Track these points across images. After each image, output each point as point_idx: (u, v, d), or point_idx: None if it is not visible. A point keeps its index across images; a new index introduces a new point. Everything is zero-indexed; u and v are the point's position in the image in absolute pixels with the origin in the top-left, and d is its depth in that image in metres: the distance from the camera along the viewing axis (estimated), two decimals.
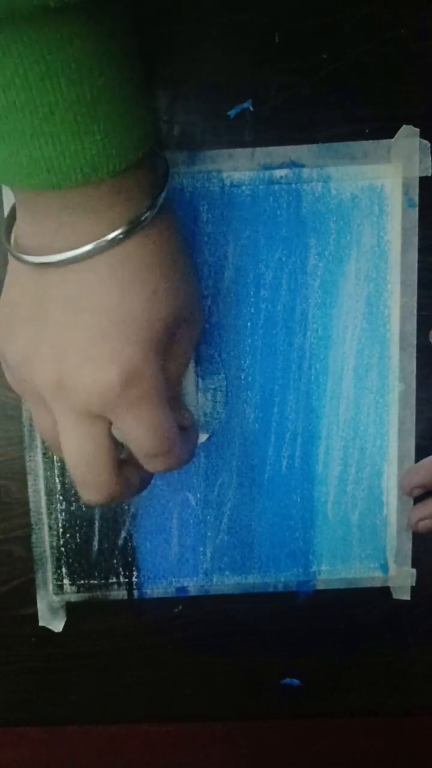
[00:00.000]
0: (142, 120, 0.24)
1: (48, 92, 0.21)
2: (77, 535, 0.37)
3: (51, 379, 0.26)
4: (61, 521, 0.37)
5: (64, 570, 0.37)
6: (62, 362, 0.26)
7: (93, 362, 0.25)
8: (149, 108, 0.25)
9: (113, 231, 0.24)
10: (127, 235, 0.25)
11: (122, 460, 0.29)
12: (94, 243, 0.24)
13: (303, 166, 0.34)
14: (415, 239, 0.34)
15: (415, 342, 0.35)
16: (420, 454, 0.36)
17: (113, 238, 0.24)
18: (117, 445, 0.28)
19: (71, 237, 0.25)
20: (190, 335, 0.29)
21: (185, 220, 0.34)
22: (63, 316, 0.25)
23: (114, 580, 0.37)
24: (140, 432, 0.27)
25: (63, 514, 0.37)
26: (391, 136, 0.33)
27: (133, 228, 0.25)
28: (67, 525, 0.37)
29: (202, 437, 0.35)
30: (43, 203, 0.24)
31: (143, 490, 0.31)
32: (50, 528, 0.37)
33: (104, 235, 0.24)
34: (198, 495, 0.36)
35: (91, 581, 0.37)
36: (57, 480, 0.36)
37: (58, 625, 0.38)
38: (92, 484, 0.28)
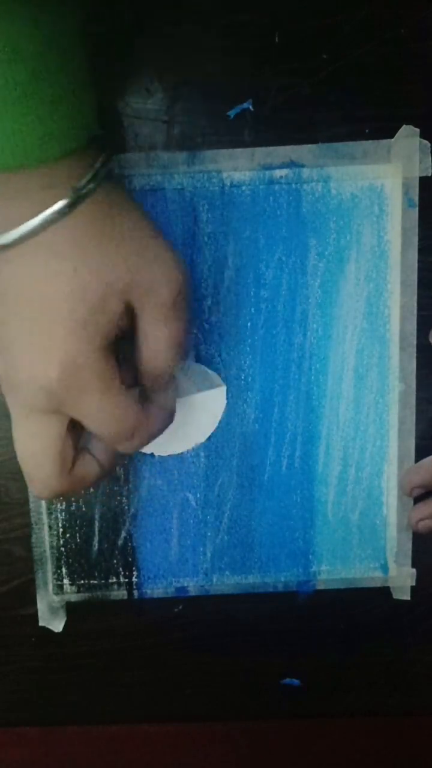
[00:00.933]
0: (82, 110, 0.24)
1: None
2: (77, 535, 0.37)
3: (2, 375, 0.26)
4: (61, 521, 0.37)
5: (64, 570, 0.37)
6: (6, 358, 0.25)
7: (30, 357, 0.25)
8: (91, 98, 0.25)
9: (33, 217, 0.24)
10: (45, 225, 0.24)
11: (83, 448, 0.29)
12: (19, 228, 0.24)
13: (303, 166, 0.34)
14: (415, 239, 0.34)
15: (415, 342, 0.35)
16: (420, 454, 0.36)
17: (31, 229, 0.24)
18: (76, 436, 0.28)
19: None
20: (156, 303, 0.26)
21: (185, 220, 0.34)
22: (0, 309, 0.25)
23: (114, 580, 0.37)
24: (97, 424, 0.26)
25: (63, 514, 0.37)
26: (391, 136, 0.33)
27: (51, 217, 0.24)
28: (67, 525, 0.37)
29: (221, 395, 0.35)
30: None
31: (105, 478, 0.30)
32: (50, 528, 0.37)
33: (25, 221, 0.24)
34: (198, 495, 0.36)
35: (91, 581, 0.37)
36: None
37: (58, 625, 0.38)
38: (37, 479, 0.28)
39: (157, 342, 0.27)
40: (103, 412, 0.26)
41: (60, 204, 0.24)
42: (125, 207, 0.26)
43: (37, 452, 0.27)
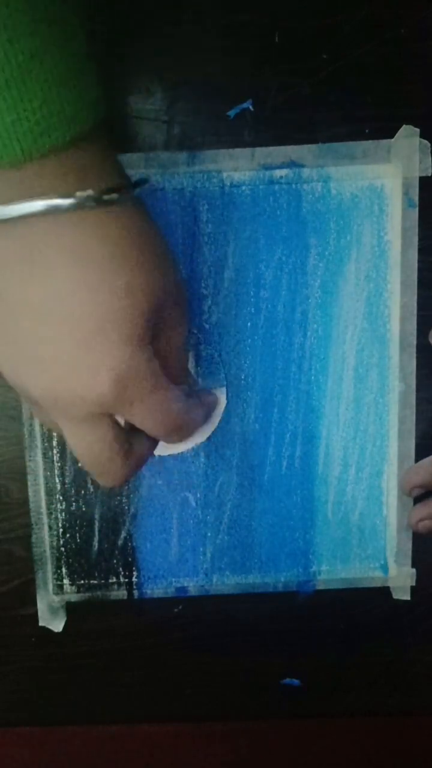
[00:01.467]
0: (87, 88, 0.23)
1: None
2: (77, 535, 0.37)
3: (43, 393, 0.25)
4: (61, 521, 0.37)
5: (64, 570, 0.37)
6: (50, 376, 0.25)
7: (81, 372, 0.24)
8: (96, 80, 0.24)
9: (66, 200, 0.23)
10: (77, 209, 0.23)
11: (129, 432, 0.29)
12: (46, 203, 0.22)
13: (303, 166, 0.34)
14: (415, 239, 0.34)
15: (415, 342, 0.35)
16: (420, 454, 0.36)
17: (69, 205, 0.23)
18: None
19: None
20: (177, 314, 0.27)
21: (185, 220, 0.34)
22: (35, 327, 0.24)
23: (114, 580, 0.37)
24: (150, 423, 0.27)
25: (63, 514, 0.37)
26: (391, 136, 0.33)
27: (93, 204, 0.23)
28: (67, 525, 0.37)
29: (221, 395, 0.36)
30: None
31: (153, 450, 0.31)
32: (50, 528, 0.37)
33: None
34: (198, 495, 0.36)
35: (91, 581, 0.37)
36: (57, 480, 0.36)
37: (58, 625, 0.38)
38: (107, 475, 0.28)
39: (177, 344, 0.28)
40: (155, 412, 0.27)
41: (89, 192, 0.23)
42: (143, 211, 0.26)
43: (100, 452, 0.27)
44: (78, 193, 0.23)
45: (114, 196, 0.24)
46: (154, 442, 0.30)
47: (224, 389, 0.35)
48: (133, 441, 0.29)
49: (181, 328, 0.28)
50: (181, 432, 0.29)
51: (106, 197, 0.23)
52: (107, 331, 0.24)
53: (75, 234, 0.23)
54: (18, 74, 0.21)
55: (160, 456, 0.36)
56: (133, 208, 0.25)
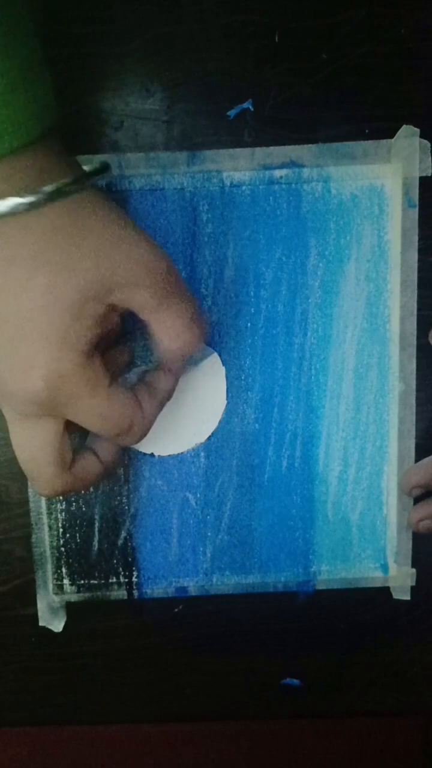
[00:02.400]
0: (39, 94, 0.23)
1: None
2: (77, 535, 0.37)
3: None
4: (61, 521, 0.37)
5: (64, 570, 0.37)
6: None
7: (16, 370, 0.25)
8: (47, 83, 0.24)
9: None
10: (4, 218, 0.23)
11: (85, 446, 0.29)
12: None
13: (303, 166, 0.34)
14: (415, 239, 0.34)
15: (415, 342, 0.35)
16: (420, 454, 0.36)
17: None
18: (74, 434, 0.28)
19: None
20: (145, 295, 0.26)
21: (185, 220, 0.34)
22: None
23: (114, 580, 0.37)
24: (90, 422, 0.26)
25: (63, 514, 0.37)
26: (391, 136, 0.33)
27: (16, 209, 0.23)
28: (67, 525, 0.37)
29: (212, 358, 0.34)
30: None
31: (108, 474, 0.30)
32: (50, 528, 0.37)
33: None
34: (198, 495, 0.36)
35: (91, 581, 0.37)
36: None
37: (58, 625, 0.38)
38: (39, 479, 0.28)
39: (166, 329, 0.27)
40: (96, 412, 0.26)
41: (17, 201, 0.23)
42: (90, 203, 0.25)
43: (36, 453, 0.27)
44: (10, 198, 0.23)
45: (68, 185, 0.24)
46: (103, 466, 0.30)
47: (224, 389, 0.35)
48: (80, 458, 0.28)
49: (168, 314, 0.26)
50: (130, 433, 0.27)
51: (60, 187, 0.24)
52: (29, 331, 0.24)
53: (1, 236, 0.24)
54: None
55: (160, 456, 0.36)
56: (76, 202, 0.25)
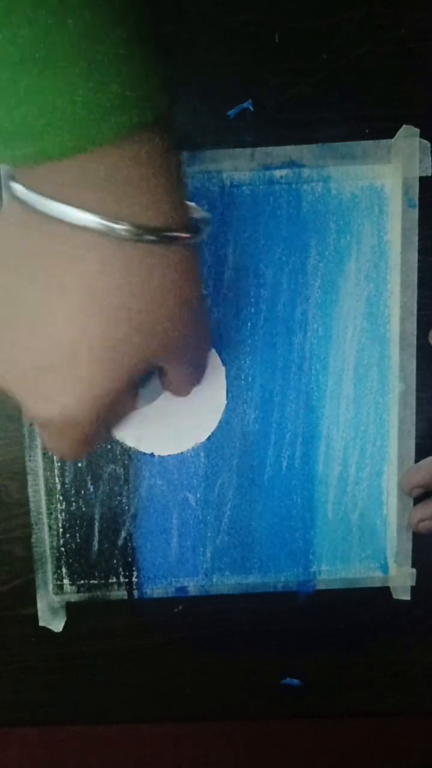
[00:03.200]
0: (148, 75, 0.20)
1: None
2: (77, 535, 0.37)
3: (12, 393, 0.25)
4: (61, 521, 0.37)
5: (64, 570, 0.37)
6: (18, 384, 0.24)
7: (36, 397, 0.24)
8: (154, 63, 0.21)
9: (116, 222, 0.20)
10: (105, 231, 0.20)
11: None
12: (101, 222, 0.20)
13: (303, 166, 0.34)
14: (415, 239, 0.34)
15: (415, 342, 0.35)
16: (420, 454, 0.36)
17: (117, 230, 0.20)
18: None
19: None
20: (181, 362, 0.26)
21: None
22: (28, 327, 0.23)
23: (114, 580, 0.37)
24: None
25: (63, 514, 0.37)
26: (391, 136, 0.33)
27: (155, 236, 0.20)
28: (67, 525, 0.37)
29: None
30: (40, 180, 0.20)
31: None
32: (50, 528, 0.37)
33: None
34: (198, 495, 0.36)
35: (91, 581, 0.37)
36: (57, 480, 0.36)
37: (58, 625, 0.38)
38: (69, 456, 0.28)
39: (180, 377, 0.27)
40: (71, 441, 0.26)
41: (119, 227, 0.20)
42: (180, 254, 0.23)
43: (63, 445, 0.26)
44: (136, 226, 0.20)
45: (180, 236, 0.21)
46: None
47: (224, 389, 0.35)
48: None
49: (187, 374, 0.27)
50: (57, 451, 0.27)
51: (168, 234, 0.21)
52: (86, 355, 0.23)
53: (106, 257, 0.21)
54: (72, 49, 0.18)
55: (160, 456, 0.36)
56: (179, 253, 0.22)
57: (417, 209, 0.34)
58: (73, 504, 0.37)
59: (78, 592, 0.37)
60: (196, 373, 0.28)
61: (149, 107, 0.20)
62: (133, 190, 0.20)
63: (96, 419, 0.24)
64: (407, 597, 0.38)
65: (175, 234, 0.21)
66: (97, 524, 0.37)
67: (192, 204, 0.24)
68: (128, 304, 0.22)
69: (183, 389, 0.29)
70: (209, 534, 0.37)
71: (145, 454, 0.36)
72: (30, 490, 0.36)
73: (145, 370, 0.25)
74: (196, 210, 0.24)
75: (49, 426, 0.25)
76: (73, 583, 0.37)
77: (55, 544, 0.37)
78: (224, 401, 0.36)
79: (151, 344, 0.23)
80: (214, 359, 0.35)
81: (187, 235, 0.22)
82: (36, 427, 0.28)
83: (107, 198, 0.20)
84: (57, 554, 0.37)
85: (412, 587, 0.37)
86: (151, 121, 0.20)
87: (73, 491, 0.36)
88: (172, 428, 0.35)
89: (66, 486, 0.36)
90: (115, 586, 0.37)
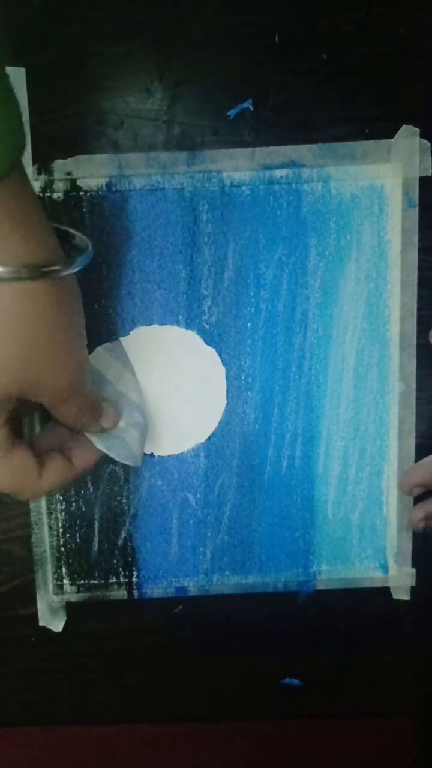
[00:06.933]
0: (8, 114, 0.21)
1: None
2: (77, 535, 0.37)
3: None
4: (61, 521, 0.37)
5: (64, 570, 0.37)
6: None
7: None
8: (16, 115, 0.21)
9: None
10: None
11: (55, 449, 0.30)
12: None
13: (303, 166, 0.34)
14: (415, 239, 0.34)
15: (415, 342, 0.35)
16: (420, 454, 0.36)
17: None
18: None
19: None
20: (47, 395, 0.27)
21: (185, 220, 0.34)
22: None
23: (114, 580, 0.37)
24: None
25: (63, 514, 0.37)
26: (391, 136, 0.33)
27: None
28: (67, 525, 0.37)
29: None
30: None
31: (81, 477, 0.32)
32: (50, 528, 0.37)
33: None
34: (198, 495, 0.36)
35: (91, 581, 0.37)
36: None
37: (58, 625, 0.38)
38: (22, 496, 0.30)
39: (62, 416, 0.28)
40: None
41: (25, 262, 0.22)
42: (23, 293, 0.23)
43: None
44: (10, 267, 0.22)
45: (56, 269, 0.22)
46: (85, 471, 0.31)
47: (224, 389, 0.35)
48: (54, 460, 0.29)
49: (63, 409, 0.28)
50: (20, 496, 0.29)
51: (45, 270, 0.22)
52: None
53: None
54: None
55: (160, 456, 0.36)
56: (50, 287, 0.23)
57: (417, 209, 0.34)
58: (73, 504, 0.37)
59: (78, 592, 0.37)
60: (81, 417, 0.29)
61: (7, 155, 0.21)
62: None
63: None
64: (407, 597, 0.38)
65: (47, 269, 0.22)
66: (97, 524, 0.37)
67: (72, 231, 0.25)
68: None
69: (76, 428, 0.29)
70: (209, 534, 0.37)
71: (145, 454, 0.36)
72: None
73: (16, 409, 0.26)
74: (75, 237, 0.25)
75: None
76: (73, 583, 0.37)
77: (55, 544, 0.37)
78: (224, 401, 0.36)
79: (22, 394, 0.25)
80: (214, 359, 0.35)
81: (57, 268, 0.23)
82: None
83: None
84: (57, 554, 0.37)
85: (412, 587, 0.37)
86: (6, 170, 0.21)
87: (73, 491, 0.36)
88: (172, 428, 0.35)
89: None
90: (115, 586, 0.37)
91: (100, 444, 0.31)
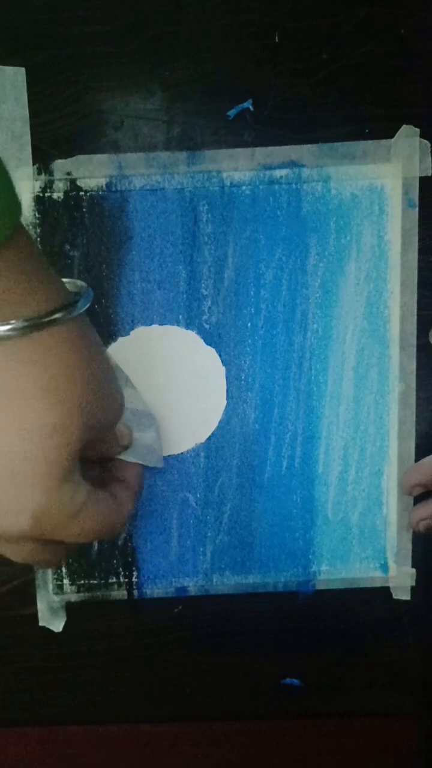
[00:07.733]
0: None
1: None
2: None
3: None
4: None
5: (64, 570, 0.37)
6: None
7: (3, 510, 0.24)
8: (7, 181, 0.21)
9: None
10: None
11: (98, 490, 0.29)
12: None
13: (303, 166, 0.34)
14: (415, 239, 0.34)
15: (415, 342, 0.35)
16: (420, 454, 0.36)
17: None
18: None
19: None
20: (102, 431, 0.26)
21: (185, 220, 0.34)
22: None
23: (114, 580, 0.37)
24: (72, 538, 0.26)
25: None
26: (391, 136, 0.33)
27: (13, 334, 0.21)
28: None
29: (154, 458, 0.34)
30: None
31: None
32: None
33: None
34: (198, 495, 0.36)
35: (91, 581, 0.37)
36: None
37: (58, 625, 0.38)
38: (44, 565, 0.29)
39: (100, 448, 0.29)
40: (76, 532, 0.26)
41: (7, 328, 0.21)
42: (78, 325, 0.24)
43: (27, 559, 0.27)
44: (13, 322, 0.21)
45: (57, 316, 0.22)
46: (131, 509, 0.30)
47: (224, 388, 0.35)
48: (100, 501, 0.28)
49: (108, 437, 0.28)
50: (113, 533, 0.28)
51: (46, 319, 0.22)
52: (24, 471, 0.23)
53: (6, 365, 0.22)
54: None
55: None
56: (74, 326, 0.23)
57: (417, 209, 0.34)
58: None
59: (78, 592, 0.37)
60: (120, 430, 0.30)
61: (7, 223, 0.21)
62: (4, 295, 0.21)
63: (43, 533, 0.25)
64: (407, 597, 0.38)
65: (52, 317, 0.22)
66: None
67: (69, 281, 0.25)
68: (75, 402, 0.23)
69: (116, 447, 0.30)
70: (209, 534, 0.37)
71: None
72: None
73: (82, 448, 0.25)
74: (74, 285, 0.25)
75: (24, 541, 0.26)
76: (73, 582, 0.37)
77: None
78: (224, 401, 0.36)
79: (76, 442, 0.24)
80: (214, 359, 0.35)
81: (60, 315, 0.22)
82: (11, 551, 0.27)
83: None
84: None
85: (412, 587, 0.37)
86: (6, 237, 0.21)
87: None
88: (172, 428, 0.35)
89: None
90: (115, 586, 0.37)
91: (130, 457, 0.31)
